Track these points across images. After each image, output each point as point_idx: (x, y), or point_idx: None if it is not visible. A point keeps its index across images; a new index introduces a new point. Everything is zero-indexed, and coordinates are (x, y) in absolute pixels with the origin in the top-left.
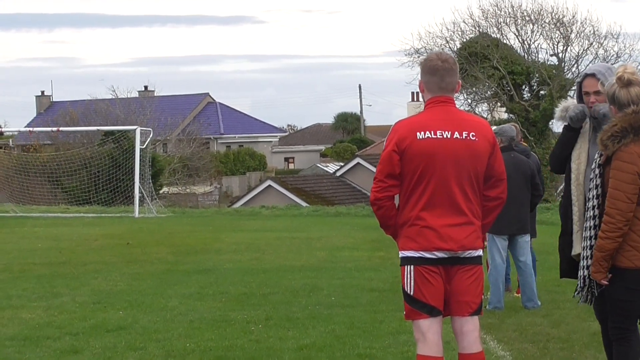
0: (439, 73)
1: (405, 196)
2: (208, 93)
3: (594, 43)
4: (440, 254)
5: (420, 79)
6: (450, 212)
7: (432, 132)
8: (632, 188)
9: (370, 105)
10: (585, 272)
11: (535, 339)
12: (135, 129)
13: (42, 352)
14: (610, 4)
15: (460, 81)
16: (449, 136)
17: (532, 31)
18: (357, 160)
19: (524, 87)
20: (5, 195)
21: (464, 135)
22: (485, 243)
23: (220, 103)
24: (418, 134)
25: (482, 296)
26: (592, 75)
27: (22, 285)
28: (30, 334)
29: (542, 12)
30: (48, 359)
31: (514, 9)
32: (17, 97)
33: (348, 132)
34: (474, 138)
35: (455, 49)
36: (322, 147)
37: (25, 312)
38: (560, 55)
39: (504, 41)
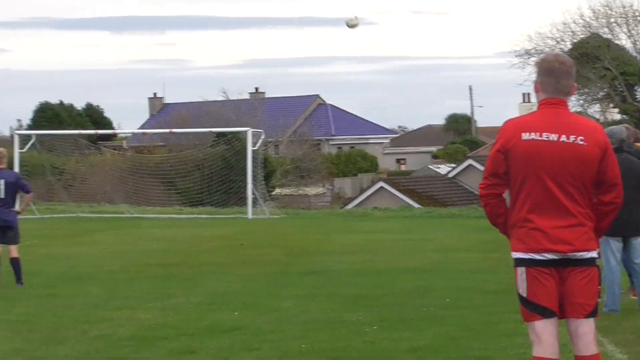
0: (555, 75)
1: (513, 197)
2: (318, 95)
3: None
4: (550, 256)
5: (535, 79)
6: (558, 214)
7: (538, 134)
8: None
9: (482, 107)
10: None
11: None
12: (246, 131)
13: (158, 352)
14: None
15: (575, 84)
16: (555, 139)
17: None
18: (469, 161)
19: (636, 87)
20: (120, 197)
21: (572, 139)
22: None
23: (331, 105)
24: (523, 134)
25: (598, 298)
26: None
27: (138, 286)
28: (147, 334)
29: None
30: (163, 358)
31: (625, 9)
32: (130, 99)
33: (459, 133)
34: (582, 142)
35: (566, 49)
36: (433, 149)
37: (141, 312)
38: None
39: (616, 42)
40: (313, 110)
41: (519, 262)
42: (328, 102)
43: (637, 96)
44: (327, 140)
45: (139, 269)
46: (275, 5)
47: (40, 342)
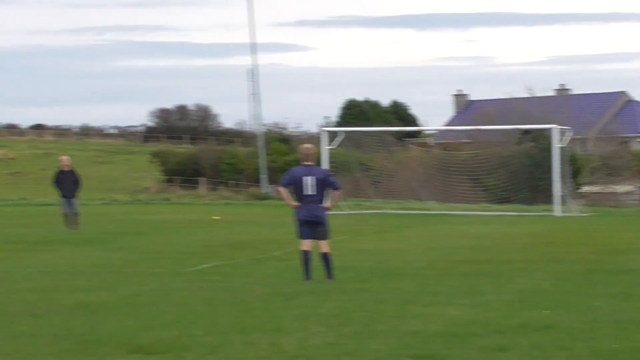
0: None
1: None
2: (625, 91)
3: None
4: None
5: None
6: None
7: None
8: None
9: None
10: None
11: None
12: (552, 128)
13: (468, 348)
14: None
15: None
16: None
17: None
18: None
19: None
20: (427, 193)
21: None
22: None
23: (638, 102)
24: None
25: None
26: None
27: (447, 282)
28: (456, 331)
29: None
30: (474, 355)
31: None
32: (435, 96)
33: None
34: None
35: None
36: None
37: (451, 309)
38: None
39: None
40: (620, 107)
41: None
42: (636, 98)
43: None
44: (636, 137)
45: (447, 265)
46: (579, 1)
47: (351, 336)
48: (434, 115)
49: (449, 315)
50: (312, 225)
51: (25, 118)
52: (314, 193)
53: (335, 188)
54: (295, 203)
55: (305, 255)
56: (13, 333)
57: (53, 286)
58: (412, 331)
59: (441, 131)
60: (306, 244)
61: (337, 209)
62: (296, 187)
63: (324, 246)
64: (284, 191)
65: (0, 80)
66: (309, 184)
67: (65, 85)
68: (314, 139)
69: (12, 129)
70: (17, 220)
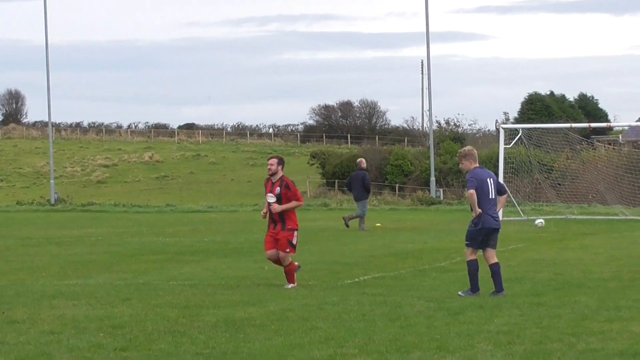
0: None
1: None
2: None
3: None
4: None
5: None
6: None
7: None
8: None
9: None
10: None
11: None
12: None
13: None
14: None
15: None
16: None
17: None
18: None
19: None
20: (614, 197)
21: None
22: None
23: None
24: None
25: None
26: None
27: (632, 295)
28: None
29: None
30: None
31: None
32: (629, 88)
33: None
34: None
35: None
36: None
37: (635, 325)
38: None
39: None
40: None
41: None
42: None
43: None
44: None
45: (633, 276)
46: None
47: (522, 356)
48: (626, 110)
49: (632, 332)
50: (491, 233)
51: (175, 118)
52: (494, 197)
53: (505, 192)
54: (480, 210)
55: (473, 265)
56: (151, 351)
57: (196, 301)
58: (589, 349)
59: (634, 128)
60: (474, 253)
61: (514, 214)
62: (482, 191)
63: (495, 256)
64: (475, 195)
65: (151, 77)
66: (491, 188)
67: (221, 81)
68: (491, 137)
69: (161, 129)
70: (162, 229)
